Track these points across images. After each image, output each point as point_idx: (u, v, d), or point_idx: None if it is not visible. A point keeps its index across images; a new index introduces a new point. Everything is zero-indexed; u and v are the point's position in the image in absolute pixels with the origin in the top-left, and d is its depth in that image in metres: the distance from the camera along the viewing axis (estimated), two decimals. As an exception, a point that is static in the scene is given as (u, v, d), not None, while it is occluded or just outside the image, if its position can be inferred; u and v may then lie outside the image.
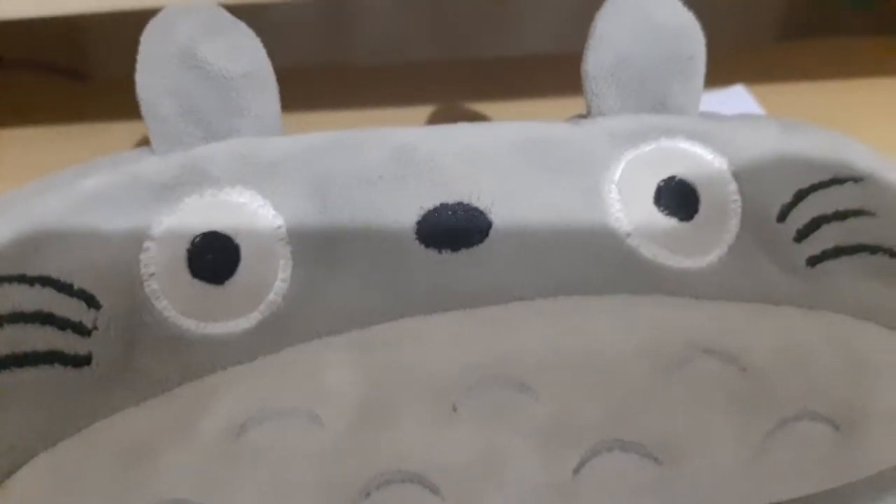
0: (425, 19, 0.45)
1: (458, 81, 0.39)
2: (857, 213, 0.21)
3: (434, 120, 0.37)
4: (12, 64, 0.40)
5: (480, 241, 0.20)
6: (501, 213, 0.20)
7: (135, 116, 0.21)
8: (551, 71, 0.34)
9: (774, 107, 0.36)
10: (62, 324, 0.18)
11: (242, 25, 0.21)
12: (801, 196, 0.21)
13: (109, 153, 0.36)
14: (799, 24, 0.44)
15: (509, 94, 0.38)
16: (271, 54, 0.21)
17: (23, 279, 0.18)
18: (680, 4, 0.23)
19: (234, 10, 0.22)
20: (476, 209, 0.20)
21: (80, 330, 0.18)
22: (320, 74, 0.39)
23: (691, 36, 0.22)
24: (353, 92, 0.38)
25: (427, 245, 0.20)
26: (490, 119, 0.37)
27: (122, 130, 0.36)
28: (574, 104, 0.24)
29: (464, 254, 0.20)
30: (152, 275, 0.19)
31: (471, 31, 0.45)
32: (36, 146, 0.36)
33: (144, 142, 0.24)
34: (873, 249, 0.21)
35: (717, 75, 0.37)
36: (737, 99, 0.35)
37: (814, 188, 0.21)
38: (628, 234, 0.20)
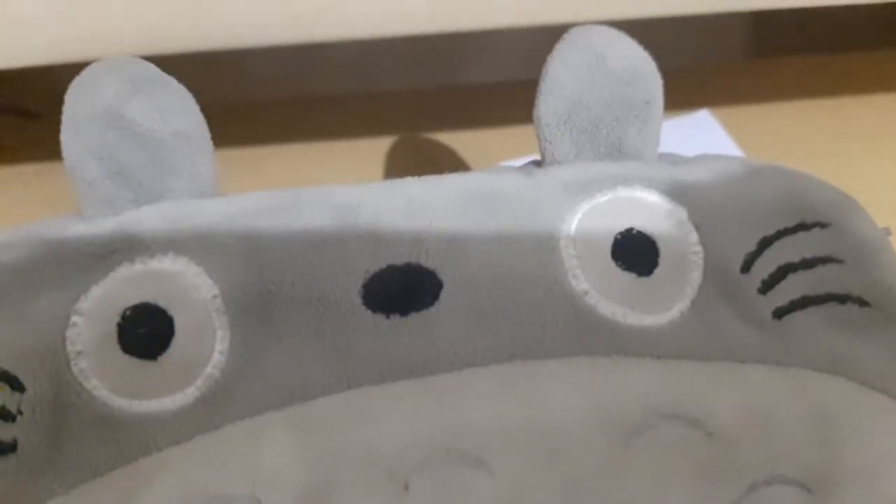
0: (392, 48, 0.45)
1: (425, 109, 0.38)
2: (825, 260, 0.20)
3: (402, 148, 0.36)
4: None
5: (431, 303, 0.19)
6: (451, 274, 0.19)
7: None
8: (519, 98, 0.33)
9: (742, 128, 0.35)
10: None
11: (172, 81, 0.20)
12: (766, 244, 0.20)
13: (63, 193, 0.35)
14: (766, 43, 0.43)
15: (476, 122, 0.37)
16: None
17: None
18: (635, 45, 0.22)
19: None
20: (425, 269, 0.19)
21: (4, 415, 0.17)
22: (285, 105, 0.38)
23: (647, 79, 0.22)
24: (320, 122, 0.37)
25: (374, 310, 0.19)
26: (456, 149, 0.36)
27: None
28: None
29: (413, 318, 0.19)
30: (80, 353, 0.18)
31: (439, 58, 0.44)
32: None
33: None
34: (842, 299, 0.20)
35: (684, 95, 0.36)
36: (702, 125, 0.34)
37: (779, 235, 0.20)
38: (585, 292, 0.19)
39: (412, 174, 0.34)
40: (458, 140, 0.36)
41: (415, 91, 0.39)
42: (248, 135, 0.36)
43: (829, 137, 0.36)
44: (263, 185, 0.34)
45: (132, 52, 0.23)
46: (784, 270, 0.20)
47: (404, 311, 0.19)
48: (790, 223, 0.20)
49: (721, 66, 0.40)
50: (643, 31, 0.24)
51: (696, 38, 0.40)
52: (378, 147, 0.36)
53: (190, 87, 0.21)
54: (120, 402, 0.18)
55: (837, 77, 0.39)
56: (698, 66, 0.40)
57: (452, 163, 0.35)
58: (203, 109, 0.21)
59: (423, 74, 0.42)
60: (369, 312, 0.19)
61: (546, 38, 0.23)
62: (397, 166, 0.35)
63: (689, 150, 0.29)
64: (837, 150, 0.35)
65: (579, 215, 0.20)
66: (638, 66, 0.22)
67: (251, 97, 0.39)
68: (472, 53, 0.45)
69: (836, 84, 0.38)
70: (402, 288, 0.19)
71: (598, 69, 0.21)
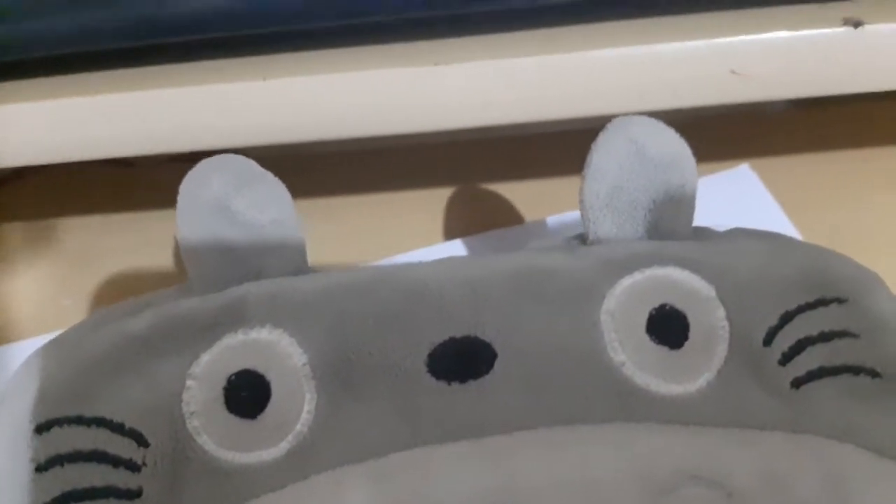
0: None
1: (481, 160, 0.40)
2: (842, 334, 0.22)
3: (460, 198, 0.39)
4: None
5: (486, 371, 0.22)
6: (505, 345, 0.22)
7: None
8: (567, 148, 0.35)
9: (782, 179, 0.37)
10: (116, 461, 0.21)
11: (269, 176, 0.24)
12: (787, 318, 0.22)
13: (155, 239, 0.38)
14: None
15: (531, 172, 0.39)
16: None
17: (80, 420, 0.21)
18: (672, 133, 0.24)
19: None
20: (482, 342, 0.22)
21: (132, 466, 0.21)
22: (350, 158, 0.41)
23: (682, 166, 0.24)
24: (376, 175, 0.40)
25: (438, 377, 0.22)
26: (511, 199, 0.39)
27: (166, 216, 0.39)
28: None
29: (471, 385, 0.21)
30: (193, 412, 0.21)
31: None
32: (87, 234, 0.39)
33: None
34: (856, 370, 0.22)
35: (724, 146, 0.38)
36: (742, 180, 0.36)
37: (800, 309, 0.23)
38: (623, 364, 0.22)
39: (469, 223, 0.37)
40: (512, 190, 0.39)
41: (470, 143, 0.42)
42: (316, 186, 0.40)
43: (871, 188, 0.37)
44: (332, 234, 0.37)
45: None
46: (803, 343, 0.22)
47: (463, 379, 0.22)
48: (811, 298, 0.23)
49: (761, 117, 0.41)
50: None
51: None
52: (436, 197, 0.39)
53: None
54: (225, 455, 0.21)
55: (878, 126, 0.40)
56: (738, 117, 0.41)
57: (507, 212, 0.38)
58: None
59: (478, 128, 0.45)
60: (433, 379, 0.22)
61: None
62: (454, 216, 0.38)
63: (728, 204, 0.32)
64: (879, 201, 0.36)
65: (618, 292, 0.23)
66: (674, 153, 0.24)
67: (317, 151, 0.42)
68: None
69: (876, 133, 0.40)
70: (462, 357, 0.22)
71: (637, 157, 0.24)
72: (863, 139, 0.39)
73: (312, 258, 0.25)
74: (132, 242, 0.39)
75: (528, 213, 0.38)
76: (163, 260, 0.38)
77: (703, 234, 0.25)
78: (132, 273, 0.37)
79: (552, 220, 0.36)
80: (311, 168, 0.40)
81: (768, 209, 0.35)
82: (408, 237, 0.36)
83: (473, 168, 0.40)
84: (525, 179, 0.39)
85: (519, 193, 0.39)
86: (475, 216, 0.38)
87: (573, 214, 0.36)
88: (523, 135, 0.42)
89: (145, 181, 0.42)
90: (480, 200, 0.39)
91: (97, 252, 0.39)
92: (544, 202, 0.37)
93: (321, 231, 0.34)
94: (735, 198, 0.35)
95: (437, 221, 0.38)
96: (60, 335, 0.23)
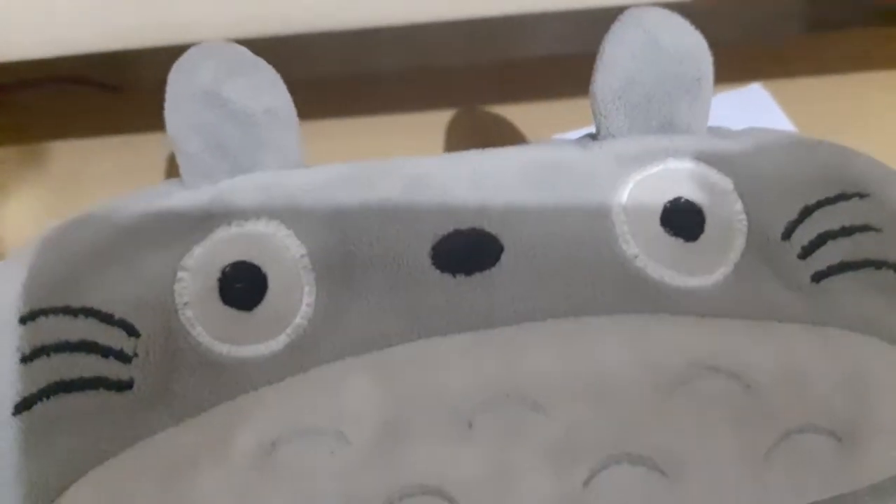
0: (447, 24, 0.46)
1: (482, 83, 0.39)
2: (864, 228, 0.21)
3: (460, 121, 0.38)
4: (50, 80, 0.42)
5: (492, 264, 0.21)
6: (512, 238, 0.21)
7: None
8: (573, 71, 0.34)
9: (795, 103, 0.36)
10: (105, 351, 0.20)
11: (263, 63, 0.22)
12: (807, 212, 0.22)
13: (147, 162, 0.38)
14: (825, 17, 0.43)
15: (531, 95, 0.38)
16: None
17: (67, 310, 0.20)
18: (687, 25, 0.23)
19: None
20: (488, 234, 0.21)
21: (122, 357, 0.20)
22: (343, 82, 0.40)
23: (698, 58, 0.23)
24: (381, 97, 0.39)
25: (442, 270, 0.21)
26: (512, 121, 0.38)
27: (155, 140, 0.38)
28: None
29: (477, 277, 0.21)
30: (186, 303, 0.20)
31: (494, 33, 0.46)
32: (76, 158, 0.38)
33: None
34: (878, 264, 0.21)
35: (738, 71, 0.37)
36: (755, 99, 0.35)
37: (820, 204, 0.22)
38: (636, 256, 0.21)
39: (470, 147, 0.36)
40: (514, 113, 0.38)
41: (471, 65, 0.41)
42: (315, 109, 0.39)
43: (882, 111, 0.36)
44: (331, 157, 0.36)
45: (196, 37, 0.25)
46: (823, 237, 0.21)
47: (469, 271, 0.21)
48: (831, 193, 0.22)
49: (775, 40, 0.40)
50: (700, 7, 0.25)
51: (752, 14, 0.40)
52: (437, 120, 0.38)
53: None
54: (221, 348, 0.20)
55: (893, 51, 0.39)
56: (753, 42, 0.40)
57: (509, 135, 0.37)
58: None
59: (480, 49, 0.44)
60: (437, 272, 0.21)
61: (599, 11, 0.24)
62: (456, 139, 0.37)
63: (741, 122, 0.30)
64: (890, 125, 0.36)
65: (631, 185, 0.22)
66: (689, 44, 0.23)
67: (317, 75, 0.41)
68: (527, 28, 0.46)
69: (890, 58, 0.39)
70: (467, 250, 0.21)
71: (651, 48, 0.23)
72: (877, 63, 0.38)
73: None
74: (121, 167, 0.38)
75: (532, 135, 0.37)
76: (153, 184, 0.37)
77: (719, 131, 0.24)
78: (122, 197, 0.37)
79: (557, 138, 0.35)
80: (308, 91, 0.39)
81: (781, 127, 0.34)
82: (409, 160, 0.35)
83: (476, 91, 0.39)
84: (529, 102, 0.38)
85: (522, 116, 0.38)
86: (477, 138, 0.37)
87: (578, 133, 0.34)
88: (527, 57, 0.41)
89: (133, 106, 0.40)
90: (483, 123, 0.38)
91: (86, 176, 0.38)
92: (548, 124, 0.36)
93: (318, 154, 0.33)
94: (747, 115, 0.34)
95: (439, 144, 0.37)
96: (46, 229, 0.22)
